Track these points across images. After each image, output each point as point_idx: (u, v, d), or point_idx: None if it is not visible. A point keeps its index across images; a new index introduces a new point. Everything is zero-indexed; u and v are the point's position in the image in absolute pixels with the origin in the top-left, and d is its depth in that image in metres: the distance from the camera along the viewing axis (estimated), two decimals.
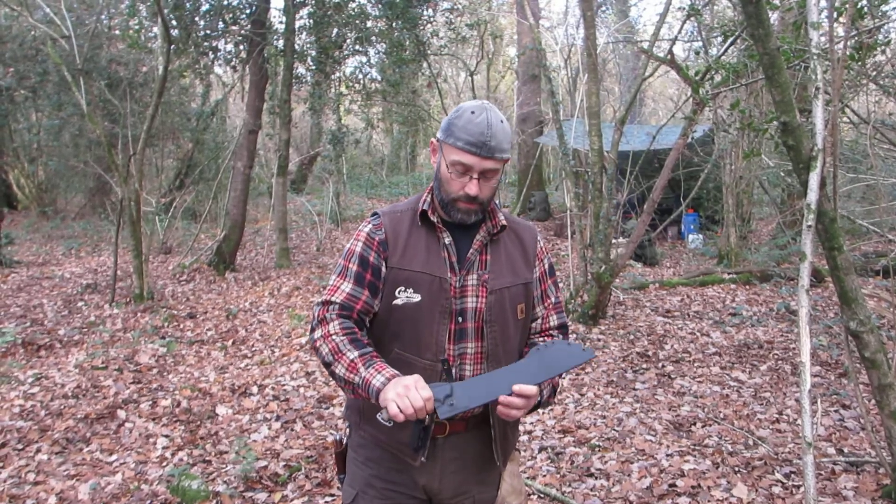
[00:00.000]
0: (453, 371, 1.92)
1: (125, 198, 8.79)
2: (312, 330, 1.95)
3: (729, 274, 9.76)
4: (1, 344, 7.07)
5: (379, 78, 13.35)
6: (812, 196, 2.91)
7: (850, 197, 11.06)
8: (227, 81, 15.95)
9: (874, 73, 5.13)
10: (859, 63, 3.89)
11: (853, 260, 4.02)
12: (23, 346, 7.13)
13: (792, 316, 7.59)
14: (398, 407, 1.67)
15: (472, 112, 1.89)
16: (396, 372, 1.78)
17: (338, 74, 13.11)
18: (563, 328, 2.12)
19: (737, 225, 10.66)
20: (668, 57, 5.42)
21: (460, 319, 1.93)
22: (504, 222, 2.01)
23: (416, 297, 1.91)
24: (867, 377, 3.38)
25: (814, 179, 2.91)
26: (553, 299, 2.11)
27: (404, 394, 1.68)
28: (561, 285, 9.03)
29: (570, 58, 13.06)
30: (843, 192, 9.63)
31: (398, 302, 1.92)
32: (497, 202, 2.08)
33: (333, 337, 1.87)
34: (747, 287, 9.31)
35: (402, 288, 1.92)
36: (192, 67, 12.02)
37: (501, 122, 1.90)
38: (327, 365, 1.87)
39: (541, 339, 2.08)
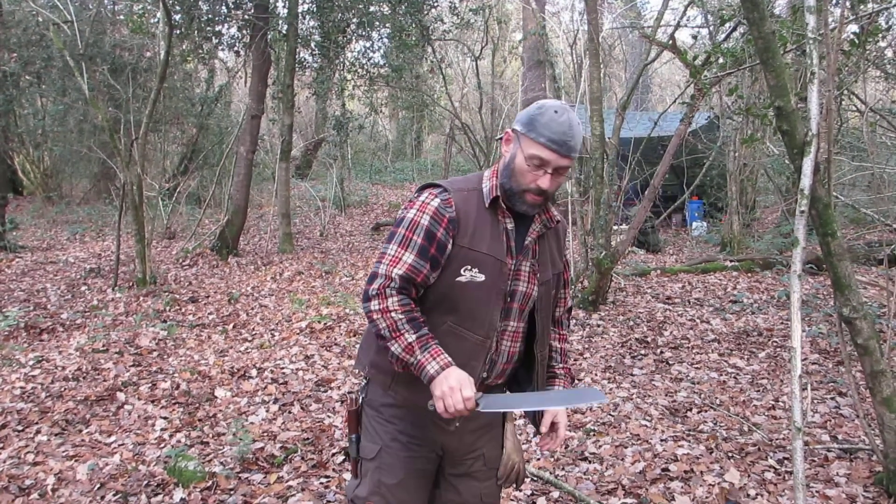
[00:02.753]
0: (495, 345, 2.08)
1: (128, 182, 8.81)
2: (368, 299, 2.02)
3: (731, 261, 9.74)
4: (3, 327, 7.12)
5: (382, 63, 13.31)
6: (805, 181, 2.91)
7: (855, 185, 11.02)
8: (230, 66, 15.90)
9: (876, 58, 5.09)
10: (860, 49, 3.86)
11: (857, 249, 4.02)
12: (25, 330, 7.18)
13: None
14: (444, 405, 1.90)
15: (556, 112, 1.98)
16: (449, 360, 1.94)
17: (341, 59, 13.08)
18: (570, 308, 2.36)
19: (740, 213, 10.65)
20: (670, 42, 5.40)
21: (509, 300, 2.08)
22: (559, 218, 2.17)
23: (481, 277, 2.02)
24: (861, 364, 3.38)
25: (807, 165, 2.90)
26: (570, 285, 2.32)
27: (449, 394, 1.88)
28: None
29: (575, 43, 13.00)
30: (848, 180, 9.60)
31: (462, 279, 2.02)
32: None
33: (392, 314, 1.97)
34: (749, 275, 9.30)
35: (469, 267, 2.02)
36: (195, 52, 12.00)
37: (579, 123, 2.01)
38: (383, 339, 2.00)
39: (561, 317, 2.30)
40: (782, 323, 6.93)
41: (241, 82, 19.17)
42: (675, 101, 7.56)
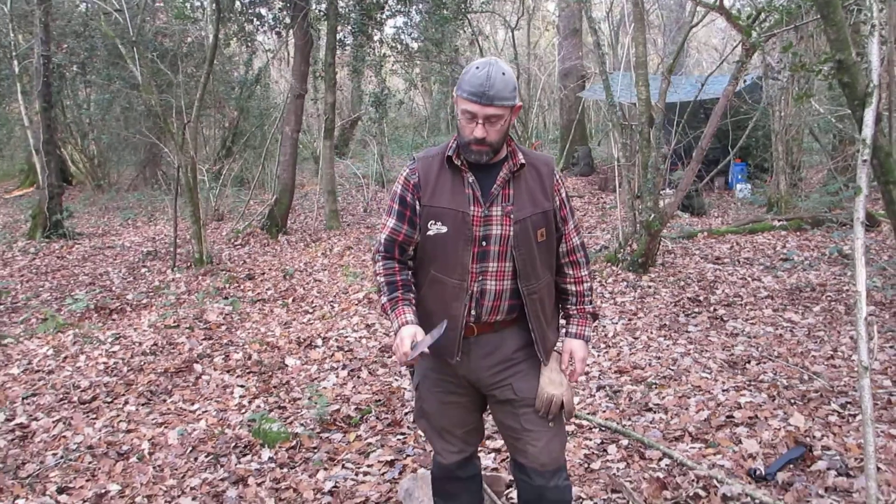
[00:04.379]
0: (475, 286, 2.33)
1: (182, 165, 9.08)
2: (372, 261, 2.48)
3: (779, 221, 9.72)
4: (76, 309, 7.47)
5: (421, 38, 13.38)
6: (867, 131, 2.98)
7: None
8: (269, 48, 16.08)
9: None
10: None
11: None
12: (95, 311, 7.52)
13: (844, 259, 7.59)
14: (396, 355, 2.28)
15: (477, 67, 2.21)
16: (406, 319, 2.27)
17: (379, 36, 13.18)
18: (583, 247, 2.51)
19: (787, 172, 10.57)
20: (717, 3, 5.42)
21: (483, 244, 2.31)
22: (523, 161, 2.34)
23: (444, 229, 2.31)
24: None
25: (869, 115, 2.97)
26: (572, 223, 2.47)
27: (395, 348, 2.25)
28: (609, 236, 9.11)
29: (611, 10, 12.93)
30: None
31: (430, 233, 2.33)
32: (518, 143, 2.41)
33: (377, 277, 2.40)
34: (798, 233, 9.28)
35: (433, 221, 2.32)
36: (238, 35, 12.21)
37: (503, 73, 2.19)
38: (378, 293, 2.41)
39: (568, 258, 2.48)
40: (835, 278, 6.96)
41: (278, 64, 19.42)
42: (720, 65, 7.54)
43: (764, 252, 8.38)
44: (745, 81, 12.08)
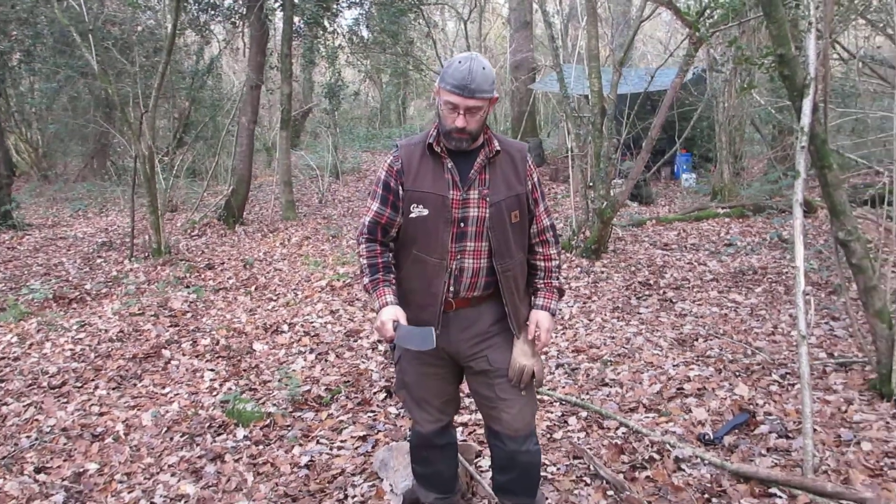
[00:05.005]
0: (454, 264, 2.53)
1: (139, 155, 9.04)
2: (356, 242, 2.64)
3: (723, 208, 10.15)
4: (35, 299, 7.43)
5: (377, 29, 13.47)
6: (805, 120, 3.26)
7: (840, 131, 11.41)
8: (223, 38, 15.96)
9: (862, 8, 5.41)
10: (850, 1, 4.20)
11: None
12: (55, 301, 7.47)
13: (784, 243, 8.01)
14: (378, 333, 2.51)
15: (459, 62, 2.38)
16: (386, 301, 2.48)
17: (333, 28, 13.23)
18: (552, 227, 2.71)
19: (730, 162, 11.02)
20: None
21: (462, 225, 2.50)
22: (498, 147, 2.53)
23: (425, 212, 2.49)
24: (855, 283, 3.78)
25: (807, 105, 3.26)
26: (542, 206, 2.65)
27: (379, 327, 2.46)
28: (562, 225, 9.39)
29: (562, 3, 13.21)
30: (833, 125, 9.98)
31: (413, 215, 2.50)
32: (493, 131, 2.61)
33: (360, 258, 2.59)
34: (741, 220, 9.71)
35: (416, 204, 2.50)
36: (192, 24, 12.13)
37: (483, 68, 2.37)
38: (360, 273, 2.62)
39: (538, 238, 2.67)
40: (775, 261, 7.35)
41: (230, 55, 19.26)
42: (668, 58, 7.86)
43: (709, 238, 8.77)
44: (692, 73, 12.53)
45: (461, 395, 2.97)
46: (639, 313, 6.01)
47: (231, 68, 21.29)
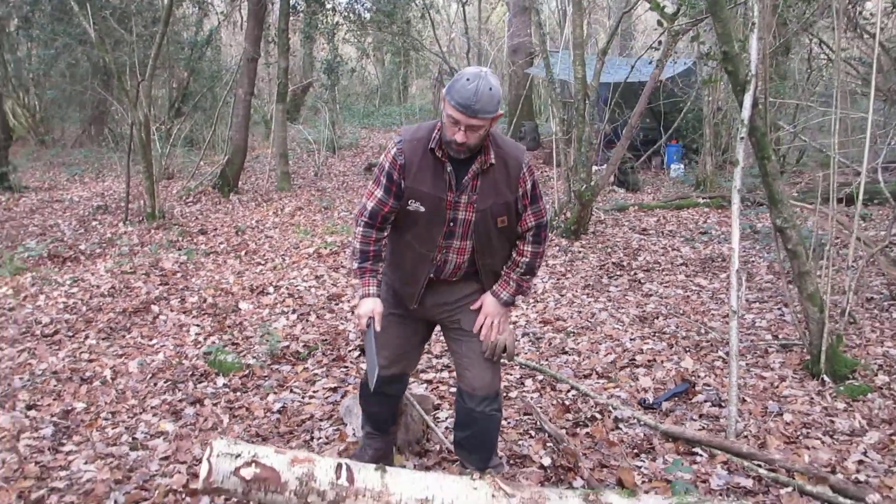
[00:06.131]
0: (440, 256, 2.76)
1: (136, 122, 9.29)
2: (354, 223, 2.83)
3: (703, 198, 10.44)
4: (30, 256, 7.70)
5: (373, 8, 13.66)
6: (745, 113, 3.55)
7: (822, 129, 11.67)
8: (221, 10, 16.13)
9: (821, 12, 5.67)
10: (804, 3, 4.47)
11: (820, 188, 4.73)
12: (49, 259, 7.75)
13: (755, 234, 8.31)
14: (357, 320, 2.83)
15: (468, 79, 2.47)
16: (369, 292, 2.79)
17: (332, 4, 13.43)
18: (538, 227, 2.82)
19: (713, 154, 11.31)
20: None
21: (451, 224, 2.70)
22: (493, 160, 2.66)
23: (422, 208, 2.69)
24: (791, 267, 4.09)
25: (747, 100, 3.54)
26: (532, 209, 2.78)
27: (358, 316, 2.78)
28: (547, 206, 9.70)
29: None
30: (815, 123, 10.25)
31: (410, 208, 2.71)
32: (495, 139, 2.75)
33: (354, 241, 2.82)
34: (720, 210, 10.00)
35: (413, 200, 2.69)
36: None
37: (490, 89, 2.46)
38: (351, 255, 2.78)
39: (521, 235, 2.83)
40: (744, 251, 7.65)
41: (229, 27, 19.41)
42: (648, 48, 8.13)
43: (686, 226, 9.07)
44: (683, 65, 12.78)
45: (428, 356, 3.24)
46: (608, 291, 6.31)
47: (231, 41, 21.45)
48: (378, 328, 2.73)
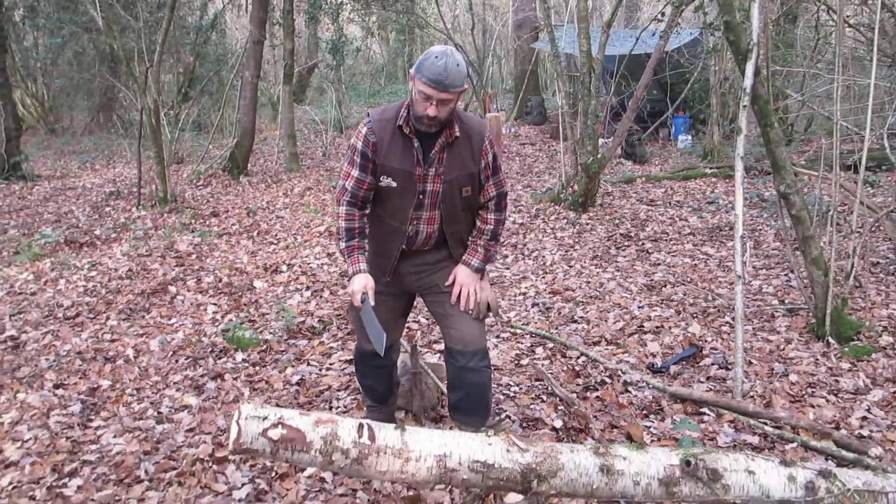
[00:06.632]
0: (411, 228, 2.92)
1: (145, 108, 9.39)
2: (336, 202, 2.96)
3: (711, 169, 10.47)
4: (47, 243, 7.84)
5: None
6: (748, 82, 3.61)
7: (830, 98, 11.63)
8: None
9: None
10: None
11: (823, 155, 4.79)
12: (66, 244, 7.89)
13: (763, 203, 8.35)
14: (350, 296, 2.91)
15: (436, 56, 2.65)
16: (359, 269, 2.87)
17: None
18: (499, 196, 3.01)
19: (720, 124, 11.31)
20: None
21: (421, 196, 2.87)
22: (457, 134, 2.83)
23: (394, 184, 2.86)
24: (795, 232, 4.16)
25: (749, 68, 3.60)
26: (493, 180, 2.97)
27: (351, 293, 2.86)
28: (554, 180, 9.70)
29: None
30: (823, 91, 10.24)
31: (382, 184, 2.88)
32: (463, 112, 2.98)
33: (338, 220, 2.94)
34: (727, 180, 10.01)
35: (385, 176, 2.86)
36: None
37: (458, 65, 2.65)
38: (337, 235, 2.98)
39: (484, 205, 3.01)
40: (752, 220, 7.70)
41: (233, 11, 19.42)
42: (653, 20, 8.13)
43: (694, 196, 9.11)
44: (689, 36, 12.75)
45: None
46: (616, 262, 6.40)
47: (235, 24, 21.45)
48: (373, 302, 2.82)
